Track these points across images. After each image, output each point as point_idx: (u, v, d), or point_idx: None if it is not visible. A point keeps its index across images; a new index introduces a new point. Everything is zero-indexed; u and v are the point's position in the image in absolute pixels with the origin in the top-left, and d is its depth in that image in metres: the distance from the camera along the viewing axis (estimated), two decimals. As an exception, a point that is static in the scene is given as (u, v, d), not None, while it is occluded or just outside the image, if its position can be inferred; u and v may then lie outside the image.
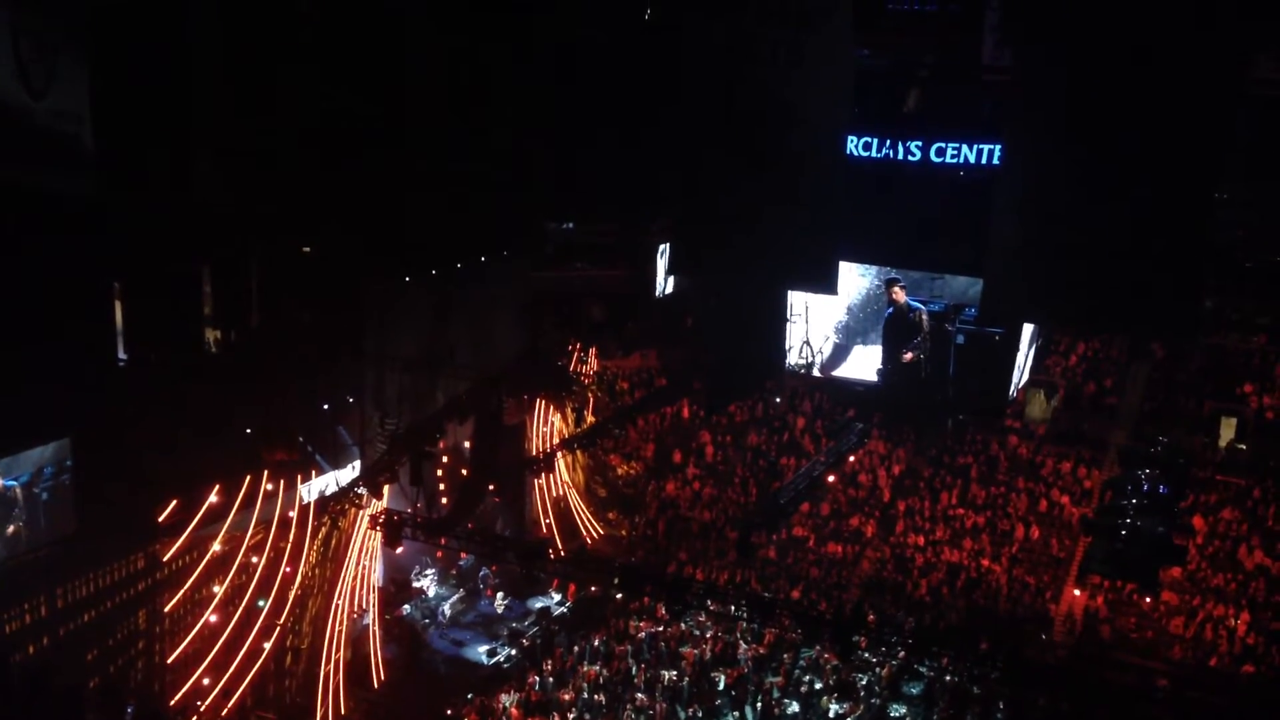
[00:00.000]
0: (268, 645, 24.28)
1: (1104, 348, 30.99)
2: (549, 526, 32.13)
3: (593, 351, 33.70)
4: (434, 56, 22.72)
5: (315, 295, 24.88)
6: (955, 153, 18.14)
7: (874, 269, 21.34)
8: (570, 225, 30.67)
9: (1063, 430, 30.16)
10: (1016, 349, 20.39)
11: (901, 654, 21.72)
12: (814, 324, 21.85)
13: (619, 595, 27.39)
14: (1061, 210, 15.36)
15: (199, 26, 19.73)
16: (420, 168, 22.93)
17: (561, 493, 32.70)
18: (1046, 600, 27.08)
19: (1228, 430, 28.40)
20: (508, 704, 24.85)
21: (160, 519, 22.45)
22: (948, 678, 23.89)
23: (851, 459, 30.70)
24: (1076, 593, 26.77)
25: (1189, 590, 26.35)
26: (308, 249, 23.93)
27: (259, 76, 20.40)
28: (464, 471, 31.05)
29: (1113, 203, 14.88)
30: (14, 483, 19.87)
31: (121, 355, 21.96)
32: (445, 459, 31.08)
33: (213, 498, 23.19)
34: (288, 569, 24.55)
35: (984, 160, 17.87)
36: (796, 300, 21.40)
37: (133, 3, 18.67)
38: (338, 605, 25.75)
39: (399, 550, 24.76)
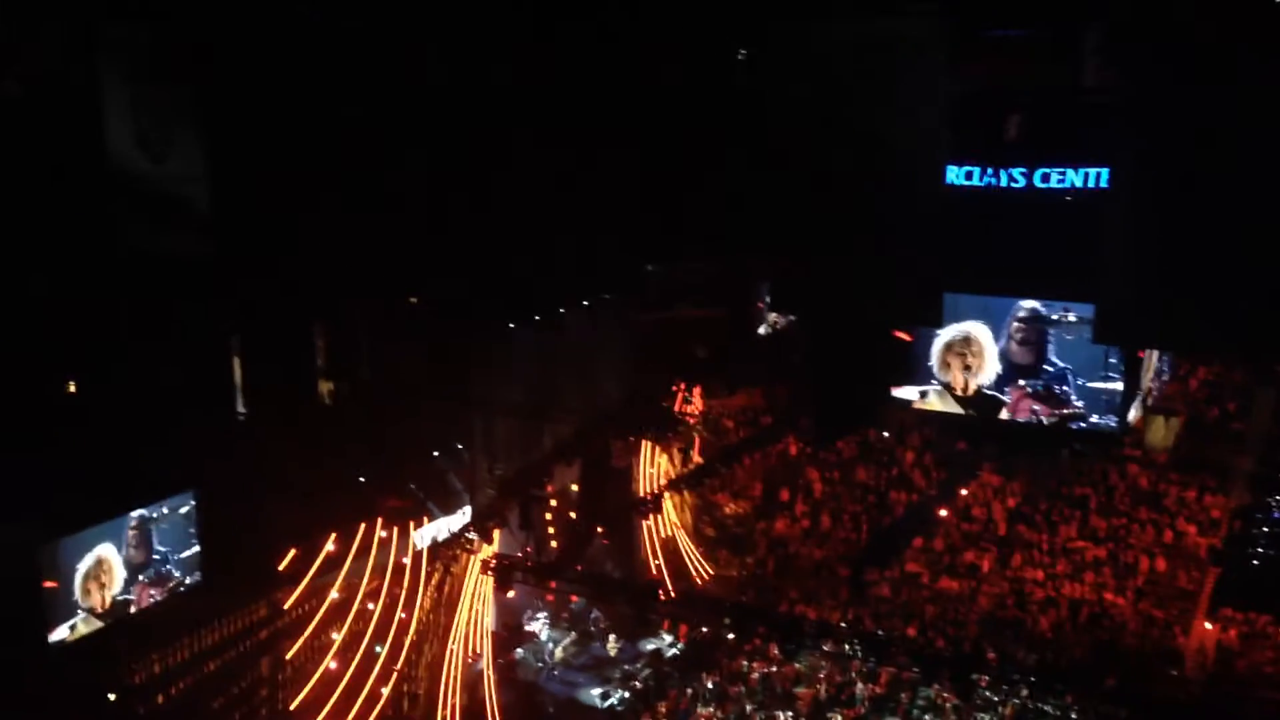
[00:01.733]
0: (386, 690, 24.60)
1: (1226, 371, 29.96)
2: (658, 568, 32.05)
3: (697, 391, 33.68)
4: (533, 107, 23.11)
5: (423, 344, 25.36)
6: (1061, 178, 17.86)
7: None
8: (672, 266, 30.87)
9: (1185, 457, 29.17)
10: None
11: (1024, 692, 21.18)
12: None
13: (731, 636, 27.17)
14: (1173, 233, 14.98)
15: (309, 92, 20.37)
16: (522, 212, 23.29)
17: (670, 533, 32.64)
18: (1175, 634, 26.10)
19: (1359, 453, 27.16)
20: (623, 747, 24.80)
21: (280, 567, 22.97)
22: (1074, 716, 23.16)
23: (964, 492, 30.13)
24: (1208, 626, 25.75)
25: (1328, 622, 25.19)
26: (414, 299, 24.44)
27: (368, 139, 20.97)
28: (572, 514, 31.22)
29: (1227, 224, 14.46)
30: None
31: (241, 410, 22.65)
32: (553, 503, 31.28)
33: (330, 546, 23.65)
34: (403, 615, 24.90)
35: (1091, 184, 17.55)
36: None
37: (246, 72, 19.38)
38: (452, 650, 26.03)
39: (510, 594, 24.94)
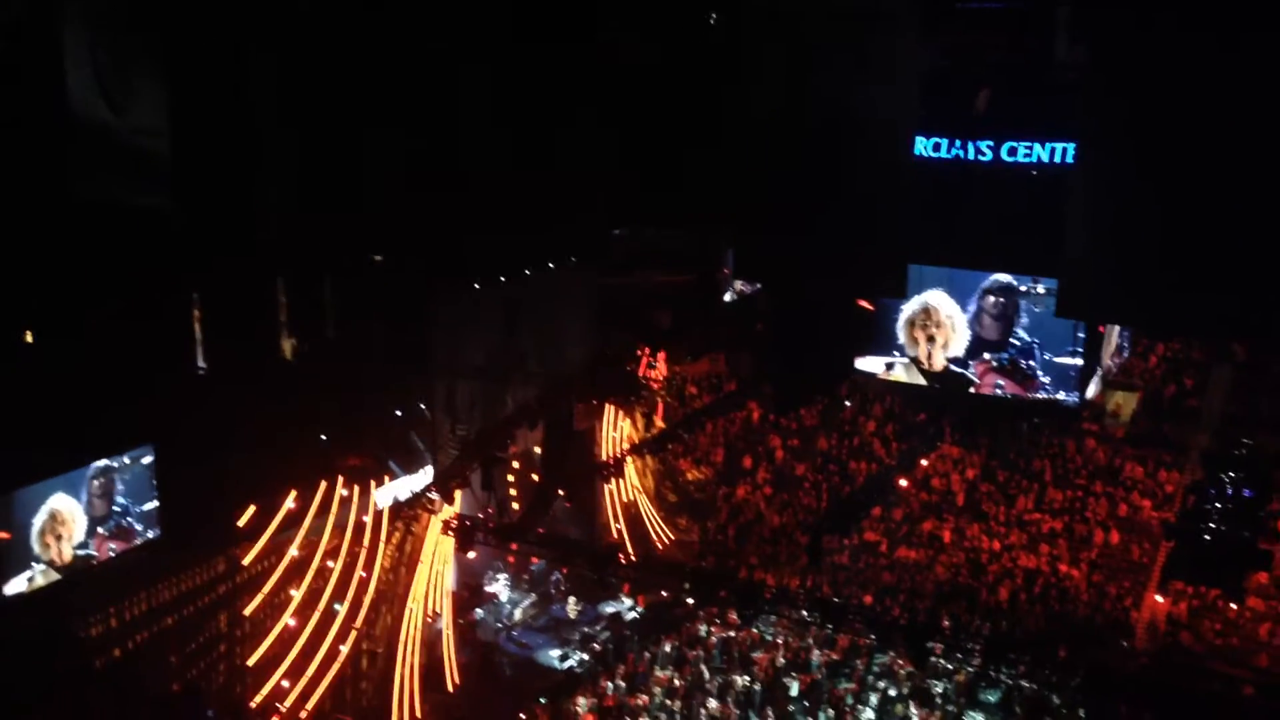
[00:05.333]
0: (345, 648, 24.63)
1: (1184, 348, 30.31)
2: (619, 531, 32.22)
3: (661, 356, 33.72)
4: (503, 70, 22.89)
5: (388, 304, 25.23)
6: (1028, 152, 17.91)
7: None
8: (638, 231, 30.82)
9: (1142, 433, 29.55)
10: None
11: (977, 661, 21.46)
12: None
13: (690, 600, 27.36)
14: (1139, 210, 15.04)
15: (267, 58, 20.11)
16: (489, 178, 23.14)
17: (631, 498, 32.77)
18: (1127, 607, 26.53)
19: (1314, 432, 27.59)
20: (581, 709, 24.93)
21: (240, 524, 22.89)
22: (1025, 685, 23.52)
23: (924, 462, 30.40)
24: (1159, 599, 26.18)
25: (1276, 596, 25.65)
26: (380, 258, 24.28)
27: (335, 94, 20.70)
28: (534, 477, 31.28)
29: (1193, 202, 14.54)
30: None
31: (201, 365, 22.46)
32: (516, 465, 31.34)
33: (290, 503, 23.58)
34: (363, 573, 24.90)
35: (1057, 159, 17.61)
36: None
37: (210, 23, 19.05)
38: (412, 609, 26.07)
39: (471, 555, 24.98)
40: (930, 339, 20.67)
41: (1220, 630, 25.36)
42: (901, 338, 20.99)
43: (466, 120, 22.75)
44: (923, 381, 21.09)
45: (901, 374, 21.20)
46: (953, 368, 20.74)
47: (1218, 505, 21.42)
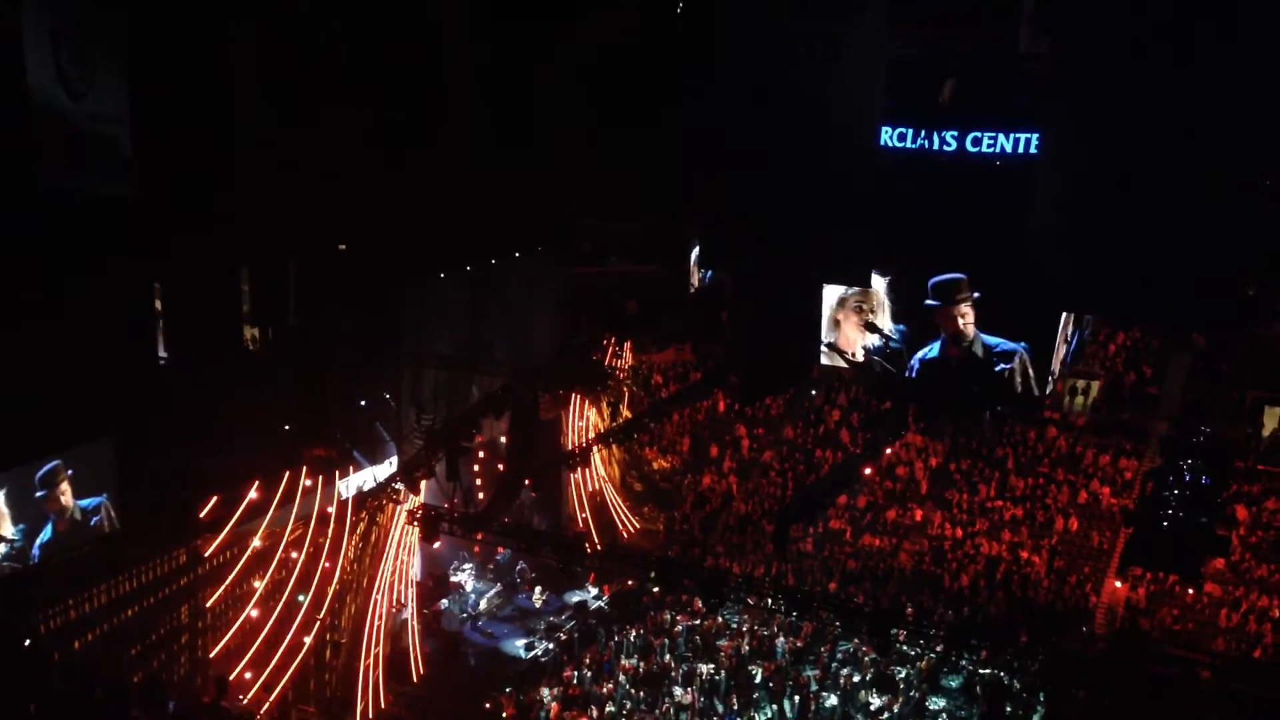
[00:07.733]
0: (308, 640, 24.47)
1: (1144, 338, 30.64)
2: (585, 521, 32.20)
3: (628, 346, 33.72)
4: (470, 63, 22.78)
5: (352, 294, 25.06)
6: (991, 142, 18.02)
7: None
8: (606, 220, 30.75)
9: (1102, 421, 29.87)
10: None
11: (940, 647, 21.63)
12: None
13: (656, 589, 27.39)
14: (1101, 200, 15.20)
15: (240, 36, 19.88)
16: (457, 167, 23.03)
17: (597, 487, 32.75)
18: (1087, 592, 26.83)
19: (1271, 420, 28.03)
20: (546, 698, 24.93)
21: (201, 515, 22.68)
22: (987, 671, 23.76)
23: (888, 451, 30.57)
24: (1117, 585, 26.52)
25: (1232, 581, 26.03)
26: (344, 248, 24.13)
27: (299, 84, 20.52)
28: (500, 466, 31.19)
29: (1153, 193, 14.71)
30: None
31: (162, 354, 22.22)
32: (481, 454, 31.25)
33: (253, 494, 23.40)
34: (327, 564, 24.74)
35: (1021, 150, 17.74)
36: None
37: (173, 11, 18.83)
38: (376, 600, 25.93)
39: (436, 545, 24.89)
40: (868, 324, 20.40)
41: (1178, 615, 25.72)
42: (825, 323, 20.69)
43: (441, 109, 22.63)
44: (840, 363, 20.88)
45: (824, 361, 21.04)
46: (874, 357, 20.60)
47: (1176, 492, 21.69)
